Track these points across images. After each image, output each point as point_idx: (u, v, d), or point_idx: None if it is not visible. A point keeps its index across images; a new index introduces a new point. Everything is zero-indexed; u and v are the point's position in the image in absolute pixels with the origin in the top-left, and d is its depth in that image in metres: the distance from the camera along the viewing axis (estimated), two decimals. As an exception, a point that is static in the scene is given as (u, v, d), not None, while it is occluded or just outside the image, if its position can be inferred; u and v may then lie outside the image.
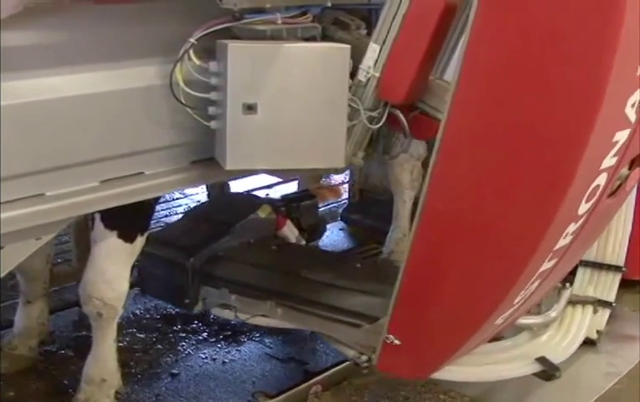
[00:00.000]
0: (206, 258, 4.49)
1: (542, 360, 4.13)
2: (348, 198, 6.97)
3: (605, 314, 5.07)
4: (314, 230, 5.30)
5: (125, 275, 3.98)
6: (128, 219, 3.82)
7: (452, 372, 4.00)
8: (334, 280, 4.33)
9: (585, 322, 4.58)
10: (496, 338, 4.23)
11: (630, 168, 3.49)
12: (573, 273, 5.04)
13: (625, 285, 5.36)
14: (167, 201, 7.00)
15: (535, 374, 4.19)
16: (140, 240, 3.99)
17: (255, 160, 3.52)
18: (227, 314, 4.44)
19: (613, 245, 5.08)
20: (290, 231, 4.97)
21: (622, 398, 4.61)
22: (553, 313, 4.37)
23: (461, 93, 3.15)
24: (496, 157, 3.18)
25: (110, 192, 3.47)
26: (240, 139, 3.44)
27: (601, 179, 3.25)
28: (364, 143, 3.71)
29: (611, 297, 5.09)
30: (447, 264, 3.47)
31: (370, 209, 6.43)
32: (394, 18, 3.45)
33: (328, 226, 6.67)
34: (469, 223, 3.32)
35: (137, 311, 5.24)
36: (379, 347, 3.83)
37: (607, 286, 5.06)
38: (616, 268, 5.11)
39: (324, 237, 6.42)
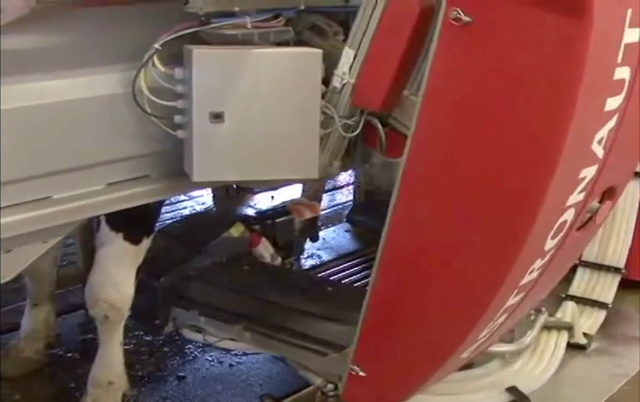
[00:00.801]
0: (177, 278, 4.37)
1: (512, 390, 3.99)
2: (354, 200, 6.87)
3: (600, 316, 4.97)
4: (290, 248, 5.12)
5: (131, 277, 3.95)
6: (134, 222, 3.78)
7: (420, 401, 3.84)
8: (304, 306, 4.20)
9: (560, 350, 4.42)
10: (467, 366, 4.09)
11: (601, 201, 3.33)
12: (573, 271, 4.97)
13: (628, 286, 5.33)
14: (171, 203, 6.89)
15: None
16: (146, 243, 3.94)
17: (223, 171, 3.31)
18: (196, 336, 4.32)
19: (614, 247, 5.03)
20: (265, 249, 4.80)
21: (630, 399, 4.54)
22: (527, 340, 4.23)
23: (424, 118, 3.00)
24: (458, 192, 3.05)
25: (116, 195, 3.41)
26: (208, 149, 3.24)
27: (568, 215, 3.10)
28: (340, 152, 3.52)
29: (609, 299, 5.01)
30: (410, 297, 3.34)
31: (375, 211, 6.23)
32: (369, 22, 3.24)
33: (334, 228, 6.69)
34: (432, 256, 3.20)
35: None
36: (344, 376, 3.71)
37: (606, 287, 5.00)
38: (616, 270, 5.09)
39: (330, 238, 6.41)
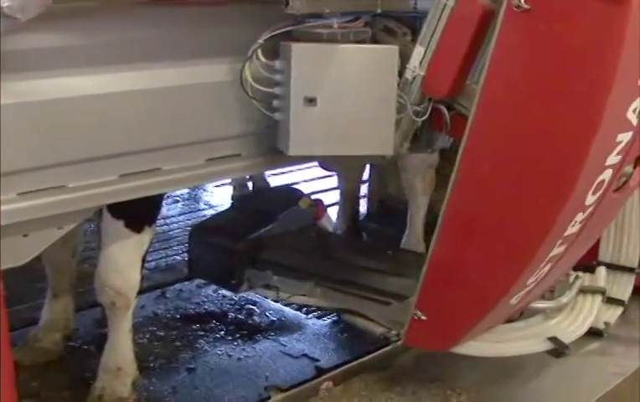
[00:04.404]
0: (252, 243, 5.05)
1: (554, 339, 4.62)
2: (368, 208, 7.49)
3: (617, 311, 5.53)
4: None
5: (135, 265, 4.31)
6: (134, 210, 4.10)
7: (471, 347, 4.54)
8: (368, 264, 4.94)
9: (594, 311, 5.02)
10: (510, 321, 4.78)
11: (635, 167, 4.12)
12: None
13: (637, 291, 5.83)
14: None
15: (547, 352, 4.67)
16: (148, 231, 4.31)
17: (314, 147, 4.12)
18: (270, 293, 5.03)
19: (627, 248, 5.60)
20: (328, 221, 5.58)
21: (625, 395, 5.03)
22: (564, 299, 4.84)
23: (486, 96, 3.76)
24: (514, 154, 3.80)
25: (128, 185, 3.82)
26: (302, 128, 4.03)
27: (606, 175, 3.87)
28: (410, 136, 4.26)
29: (625, 297, 5.58)
30: (468, 248, 4.07)
31: (388, 218, 7.04)
32: (437, 23, 4.01)
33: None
34: (488, 212, 3.95)
35: (158, 311, 5.66)
36: (406, 323, 4.39)
37: (622, 286, 5.57)
38: (630, 270, 5.63)
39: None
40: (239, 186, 7.66)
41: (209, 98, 4.02)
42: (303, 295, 4.92)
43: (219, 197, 8.07)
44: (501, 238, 3.96)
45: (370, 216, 7.40)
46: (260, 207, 5.53)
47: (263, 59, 4.06)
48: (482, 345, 4.56)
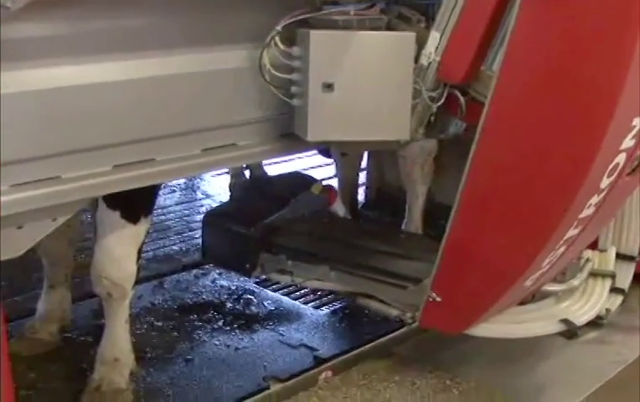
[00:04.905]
0: (265, 228, 5.18)
1: (565, 321, 4.78)
2: (366, 196, 7.63)
3: (617, 299, 5.61)
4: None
5: (132, 255, 4.33)
6: (130, 200, 4.11)
7: (485, 329, 4.66)
8: (382, 247, 5.03)
9: (604, 294, 5.17)
10: (523, 303, 4.90)
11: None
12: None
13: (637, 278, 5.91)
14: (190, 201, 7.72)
15: (559, 333, 4.83)
16: (144, 222, 4.33)
17: (332, 132, 4.20)
18: (284, 278, 5.13)
19: (627, 236, 5.70)
20: (339, 207, 5.72)
21: (626, 384, 5.09)
22: (575, 282, 4.97)
23: (503, 80, 3.86)
24: (531, 138, 3.90)
25: (122, 175, 3.79)
26: (320, 114, 4.11)
27: (621, 158, 3.99)
28: (425, 121, 4.35)
29: (625, 285, 5.68)
30: (486, 229, 4.18)
31: (387, 207, 7.20)
32: (453, 9, 4.10)
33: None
34: (505, 195, 4.05)
35: (156, 301, 5.69)
36: (422, 305, 4.50)
37: (622, 275, 5.65)
38: (630, 258, 5.71)
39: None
40: (236, 175, 7.71)
41: (206, 87, 4.03)
42: (317, 279, 5.02)
43: (216, 186, 8.17)
44: (518, 220, 4.07)
45: (369, 204, 7.52)
46: (272, 193, 5.65)
47: (281, 46, 4.13)
48: (496, 327, 4.68)
